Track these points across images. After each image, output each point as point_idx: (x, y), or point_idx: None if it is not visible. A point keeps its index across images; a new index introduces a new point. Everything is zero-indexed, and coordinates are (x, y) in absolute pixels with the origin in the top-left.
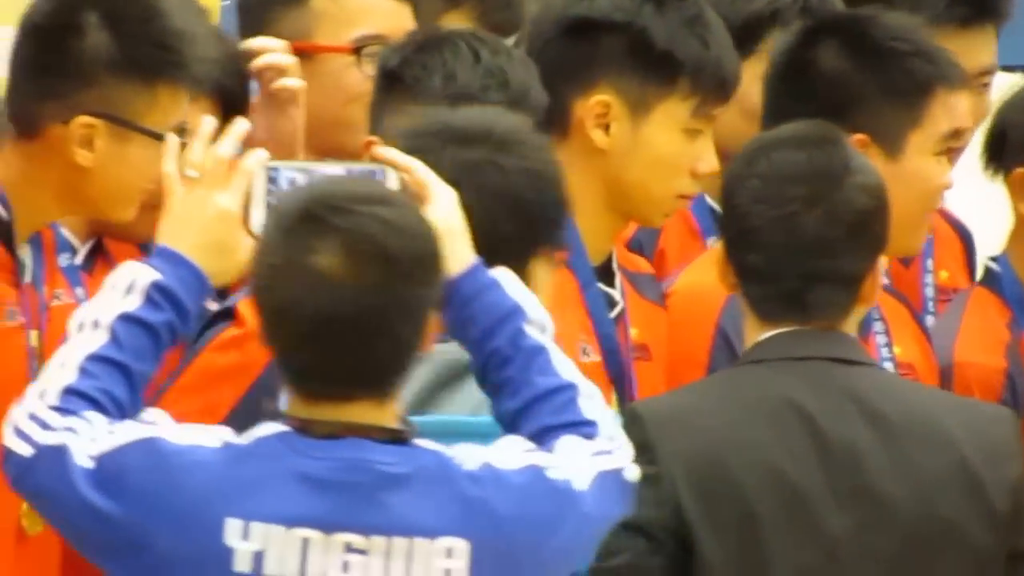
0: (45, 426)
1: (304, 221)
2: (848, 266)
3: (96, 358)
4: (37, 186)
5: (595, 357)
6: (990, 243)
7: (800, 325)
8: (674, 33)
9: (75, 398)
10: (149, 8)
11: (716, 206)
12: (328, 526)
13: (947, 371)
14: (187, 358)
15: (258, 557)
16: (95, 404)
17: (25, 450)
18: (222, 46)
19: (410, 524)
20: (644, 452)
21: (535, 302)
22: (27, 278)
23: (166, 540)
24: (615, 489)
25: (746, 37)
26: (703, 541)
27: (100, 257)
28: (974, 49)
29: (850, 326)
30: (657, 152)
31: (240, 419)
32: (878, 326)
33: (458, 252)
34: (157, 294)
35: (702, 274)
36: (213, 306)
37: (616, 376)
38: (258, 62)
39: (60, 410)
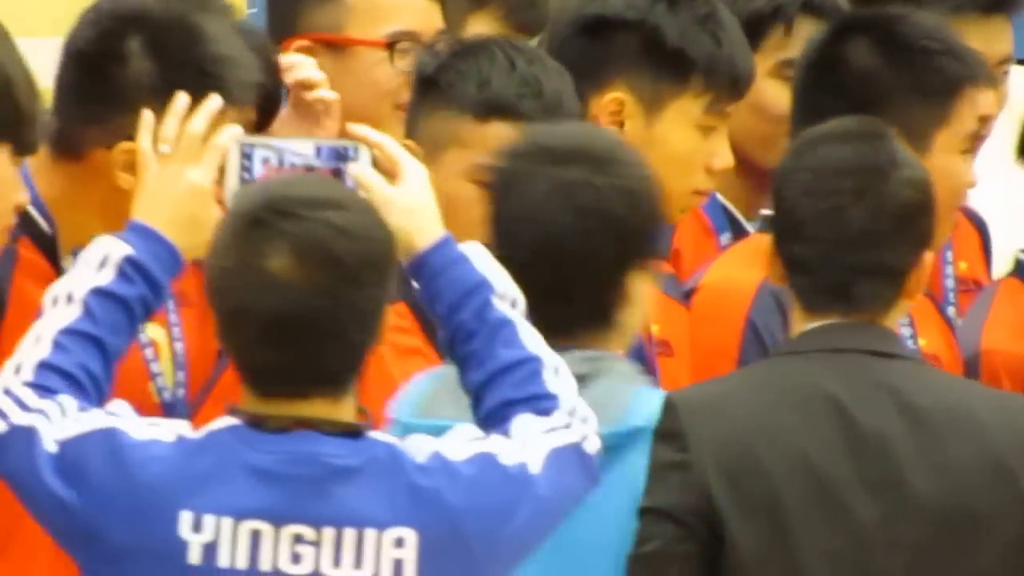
0: (20, 404)
1: (254, 226)
2: (893, 259)
3: (70, 332)
4: (80, 205)
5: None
6: (1020, 235)
7: (844, 317)
8: (686, 31)
9: (50, 373)
10: (191, 34)
11: (728, 204)
12: (278, 518)
13: (973, 360)
14: (220, 367)
15: (210, 549)
16: (71, 379)
17: (0, 427)
18: (258, 56)
19: (359, 515)
20: (676, 439)
21: (504, 276)
22: None
23: (121, 533)
24: (572, 464)
25: (749, 35)
26: (732, 527)
27: None
28: (994, 38)
29: (893, 319)
30: (671, 149)
31: None
32: (903, 319)
33: (427, 227)
34: (130, 268)
35: (731, 268)
36: None
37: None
38: (290, 78)
39: (35, 387)
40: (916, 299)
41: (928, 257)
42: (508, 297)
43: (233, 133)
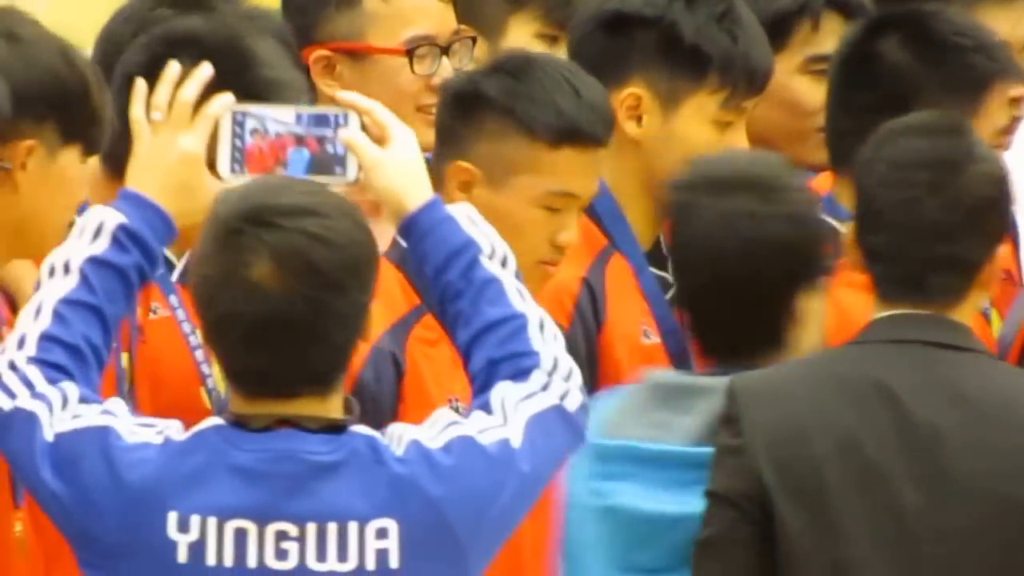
0: (28, 385)
1: (236, 235)
2: (966, 252)
3: (70, 302)
4: None
5: (655, 339)
6: None
7: (916, 308)
8: (702, 28)
9: (53, 345)
10: (242, 59)
11: None
12: (261, 517)
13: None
14: None
15: (197, 548)
16: (73, 350)
17: (6, 404)
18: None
19: (341, 510)
20: (733, 425)
21: (494, 235)
22: None
23: (111, 532)
24: (553, 426)
25: (776, 32)
26: (781, 511)
27: None
28: (1019, 22)
29: (966, 312)
30: (688, 144)
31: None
32: None
33: (416, 188)
34: (124, 237)
35: None
36: None
37: (676, 355)
38: None
39: (41, 363)
40: (993, 291)
41: (1002, 251)
42: (497, 256)
43: (225, 101)
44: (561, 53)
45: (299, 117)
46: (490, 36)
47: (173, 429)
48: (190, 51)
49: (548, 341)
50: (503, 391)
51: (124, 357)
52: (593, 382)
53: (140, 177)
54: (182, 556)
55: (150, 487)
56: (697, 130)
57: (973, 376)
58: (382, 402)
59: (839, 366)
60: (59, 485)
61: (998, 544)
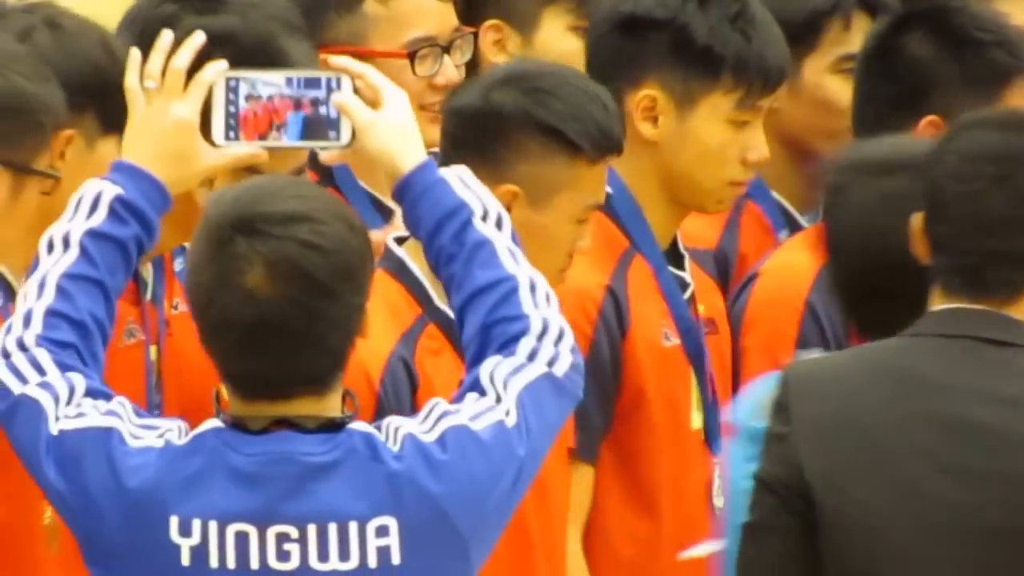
0: (37, 368)
1: (228, 244)
2: None
3: (72, 276)
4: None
5: (675, 340)
6: None
7: (974, 302)
8: (715, 29)
9: (59, 320)
10: (276, 59)
11: (784, 202)
12: (261, 520)
13: None
14: None
15: (199, 552)
16: (79, 326)
17: (15, 386)
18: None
19: (340, 510)
20: (782, 412)
21: (487, 196)
22: (147, 296)
23: (113, 535)
24: (545, 394)
25: (808, 32)
26: (822, 500)
27: None
28: None
29: None
30: (704, 143)
31: None
32: None
33: (410, 149)
34: (122, 208)
35: (791, 254)
36: None
37: (694, 355)
38: None
39: (48, 343)
40: None
41: None
42: (491, 217)
43: (218, 67)
44: None
45: (289, 81)
46: (523, 30)
47: (174, 431)
48: (225, 49)
49: (540, 303)
50: (492, 366)
51: (152, 350)
52: (617, 388)
53: (135, 146)
54: (185, 559)
55: (151, 491)
56: (713, 130)
57: (1019, 373)
58: (401, 414)
59: (888, 359)
60: (62, 483)
61: None
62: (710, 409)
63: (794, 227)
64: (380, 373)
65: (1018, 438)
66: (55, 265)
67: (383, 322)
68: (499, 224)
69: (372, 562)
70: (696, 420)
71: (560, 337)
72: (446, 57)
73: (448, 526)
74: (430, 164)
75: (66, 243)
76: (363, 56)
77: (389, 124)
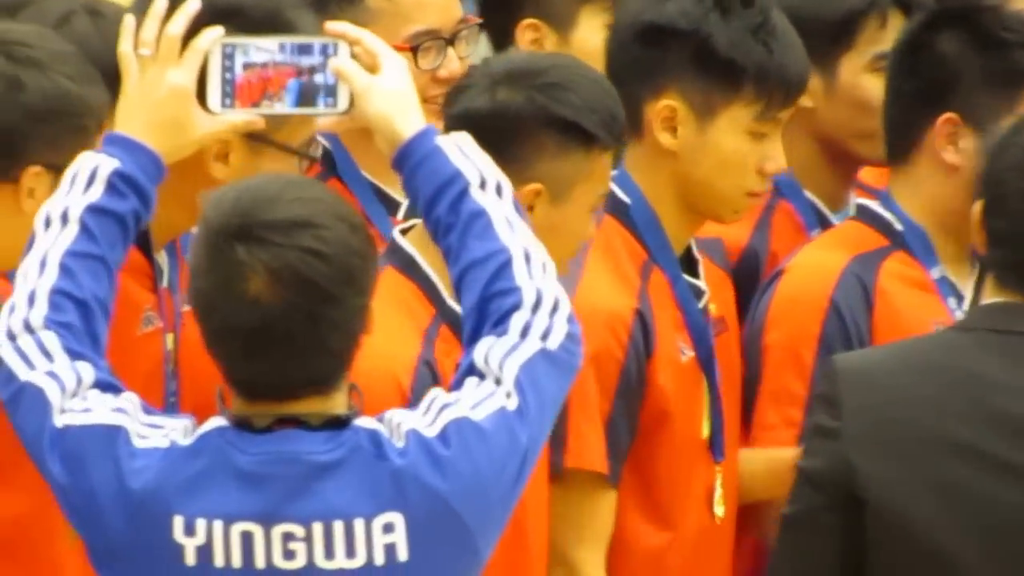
0: (45, 353)
1: (230, 252)
2: None
3: (74, 254)
4: (173, 198)
5: (690, 353)
6: None
7: None
8: (738, 40)
9: (64, 300)
10: (284, 31)
11: (816, 200)
12: (266, 520)
13: None
14: None
15: (204, 551)
16: (83, 306)
17: (21, 371)
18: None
19: (346, 508)
20: (831, 406)
21: (485, 164)
22: (163, 283)
23: (116, 534)
24: (542, 370)
25: (844, 31)
26: (871, 497)
27: None
28: None
29: None
30: (723, 154)
31: None
32: (960, 294)
33: (409, 114)
34: (120, 182)
35: (817, 251)
36: None
37: (706, 366)
38: None
39: (54, 325)
40: None
41: None
42: (490, 185)
43: (214, 35)
44: None
45: (283, 46)
46: (560, 29)
47: (179, 431)
48: (234, 21)
49: (535, 274)
50: (487, 348)
51: (169, 339)
52: (640, 408)
53: (129, 115)
54: (190, 559)
55: (154, 492)
56: (732, 141)
57: None
58: None
59: (938, 354)
60: (66, 478)
61: None
62: (716, 417)
63: (826, 226)
64: (410, 379)
65: None
66: (56, 242)
67: (401, 325)
68: (499, 191)
69: (379, 559)
70: (705, 429)
71: (555, 308)
72: (450, 50)
73: (455, 521)
74: (430, 130)
75: (64, 219)
76: None
77: (388, 89)
